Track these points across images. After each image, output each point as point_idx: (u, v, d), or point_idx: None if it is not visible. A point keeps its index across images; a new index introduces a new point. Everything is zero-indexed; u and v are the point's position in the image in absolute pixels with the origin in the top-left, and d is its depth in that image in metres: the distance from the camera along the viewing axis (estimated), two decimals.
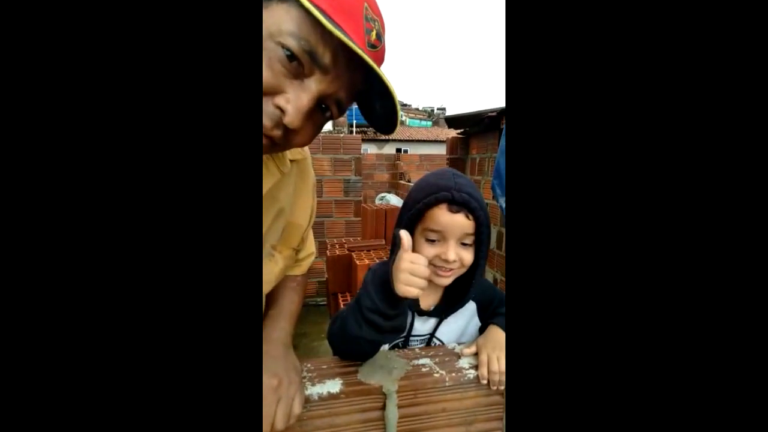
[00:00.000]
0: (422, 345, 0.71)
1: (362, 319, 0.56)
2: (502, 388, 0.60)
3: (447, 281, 0.65)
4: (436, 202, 0.62)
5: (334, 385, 0.56)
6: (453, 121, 3.04)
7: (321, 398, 0.54)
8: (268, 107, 0.43)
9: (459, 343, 0.69)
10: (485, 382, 0.59)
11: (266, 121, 0.43)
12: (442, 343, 0.71)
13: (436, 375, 0.59)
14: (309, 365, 0.61)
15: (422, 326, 0.70)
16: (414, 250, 0.64)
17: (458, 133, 3.00)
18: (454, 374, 0.60)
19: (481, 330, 0.71)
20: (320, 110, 0.48)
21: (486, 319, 0.72)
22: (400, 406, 0.58)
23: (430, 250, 0.64)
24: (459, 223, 0.62)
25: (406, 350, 0.66)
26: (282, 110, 0.43)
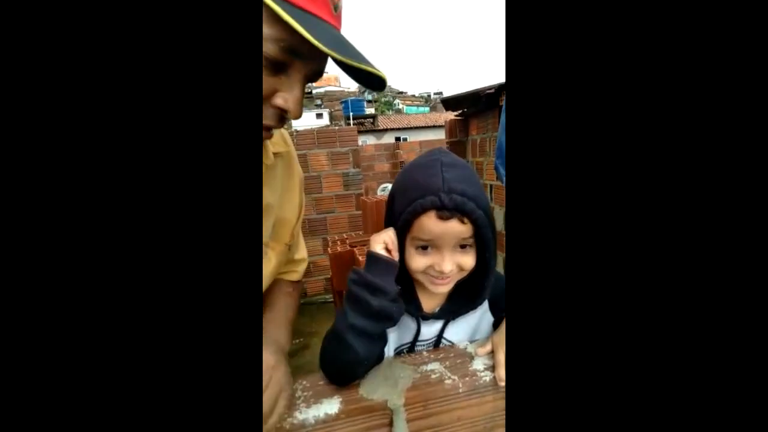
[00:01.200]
0: (430, 348, 0.64)
1: (349, 301, 0.53)
2: None
3: (445, 289, 0.58)
4: (423, 211, 0.52)
5: (331, 405, 0.49)
6: (450, 103, 2.94)
7: (318, 421, 0.48)
8: (267, 110, 0.44)
9: (471, 342, 0.62)
10: (503, 384, 0.52)
11: (270, 121, 0.45)
12: (452, 343, 0.64)
13: (447, 382, 0.53)
14: (304, 382, 0.54)
15: (428, 330, 0.63)
16: (404, 259, 0.57)
17: (456, 115, 2.90)
18: (468, 379, 0.53)
19: (495, 325, 0.64)
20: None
21: (499, 312, 0.65)
22: (409, 420, 0.51)
23: (423, 260, 0.56)
24: (452, 230, 0.53)
25: (412, 355, 0.60)
26: (282, 108, 0.44)
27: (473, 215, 0.52)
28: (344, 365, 0.52)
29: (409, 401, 0.51)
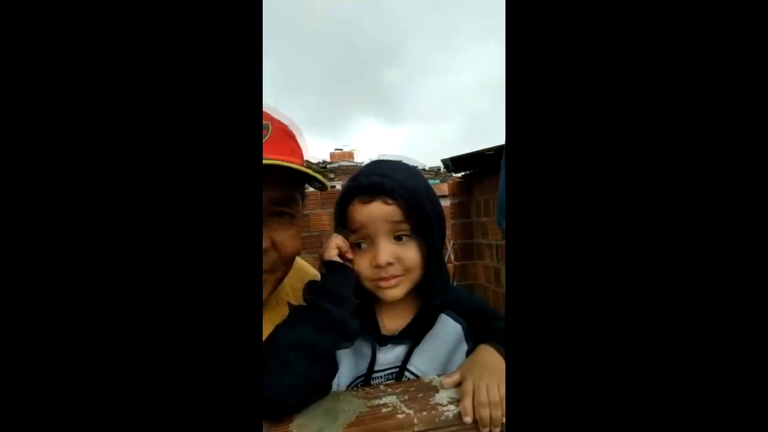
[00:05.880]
0: (390, 381, 0.54)
1: (299, 313, 0.47)
2: (497, 430, 0.42)
3: (396, 292, 0.51)
4: (346, 199, 0.52)
5: None
6: (452, 164, 2.98)
7: None
8: None
9: (440, 376, 0.52)
10: (469, 419, 0.42)
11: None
12: (417, 377, 0.53)
13: (400, 416, 0.43)
14: None
15: (387, 357, 0.54)
16: (354, 265, 0.53)
17: (459, 177, 2.92)
18: (425, 413, 0.43)
19: (469, 353, 0.54)
20: (276, 215, 0.51)
21: (476, 339, 0.55)
22: None
23: (363, 260, 0.51)
24: (378, 212, 0.49)
25: (366, 389, 0.50)
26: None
27: (395, 194, 0.49)
28: (279, 392, 0.42)
29: None
